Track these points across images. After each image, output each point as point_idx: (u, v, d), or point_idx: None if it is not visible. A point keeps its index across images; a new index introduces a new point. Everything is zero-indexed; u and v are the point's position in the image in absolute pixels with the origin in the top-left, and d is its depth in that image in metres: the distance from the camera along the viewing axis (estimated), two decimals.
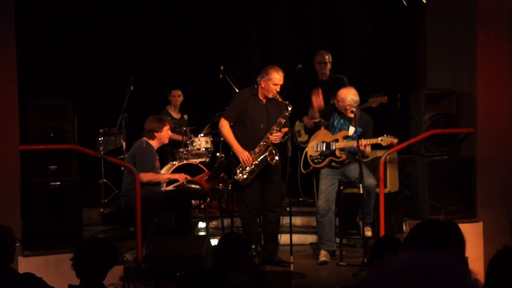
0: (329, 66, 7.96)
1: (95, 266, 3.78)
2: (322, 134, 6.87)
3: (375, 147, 6.81)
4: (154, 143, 6.84)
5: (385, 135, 6.56)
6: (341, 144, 6.64)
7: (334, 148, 6.68)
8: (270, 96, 6.46)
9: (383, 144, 6.58)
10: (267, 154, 6.41)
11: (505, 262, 3.10)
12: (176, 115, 8.59)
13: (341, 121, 6.72)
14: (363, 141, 6.49)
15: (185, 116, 8.57)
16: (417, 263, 1.18)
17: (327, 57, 7.94)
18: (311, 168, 6.85)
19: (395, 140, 6.59)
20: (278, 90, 6.47)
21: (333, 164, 6.73)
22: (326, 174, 6.77)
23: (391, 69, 9.22)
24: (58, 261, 5.94)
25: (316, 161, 6.78)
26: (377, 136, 6.57)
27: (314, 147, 6.82)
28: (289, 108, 6.44)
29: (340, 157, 6.64)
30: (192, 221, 7.19)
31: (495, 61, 6.96)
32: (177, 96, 8.64)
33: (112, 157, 7.06)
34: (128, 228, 7.23)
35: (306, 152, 6.92)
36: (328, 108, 6.95)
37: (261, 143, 6.43)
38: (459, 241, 2.33)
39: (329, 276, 6.43)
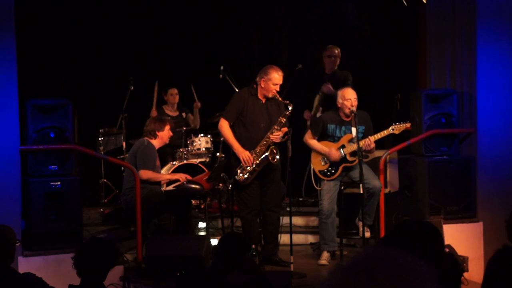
0: (338, 61, 7.93)
1: (96, 265, 3.78)
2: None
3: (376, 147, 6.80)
4: (156, 143, 6.89)
5: (395, 123, 6.56)
6: (350, 148, 6.60)
7: (344, 154, 6.64)
8: (270, 96, 6.46)
9: (396, 132, 6.57)
10: (268, 153, 6.41)
11: (504, 261, 3.10)
12: (173, 113, 8.58)
13: (343, 128, 6.67)
14: (372, 138, 6.48)
15: (183, 114, 8.56)
16: (364, 258, 1.29)
17: (336, 51, 7.89)
18: (325, 182, 6.71)
19: (408, 125, 6.60)
20: (278, 90, 6.46)
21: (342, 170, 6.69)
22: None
23: (391, 69, 9.21)
24: (58, 261, 5.94)
25: (329, 173, 6.68)
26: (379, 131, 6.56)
27: (321, 161, 6.72)
28: (290, 107, 6.43)
29: (354, 161, 6.59)
30: (192, 221, 7.19)
31: (495, 61, 6.96)
32: (175, 95, 8.62)
33: (112, 157, 7.07)
34: (129, 228, 7.23)
35: (313, 170, 6.78)
36: (316, 119, 6.91)
37: (262, 143, 6.43)
38: (434, 240, 2.36)
39: None
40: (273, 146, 6.44)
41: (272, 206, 6.60)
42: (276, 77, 6.41)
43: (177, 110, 8.66)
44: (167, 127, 6.94)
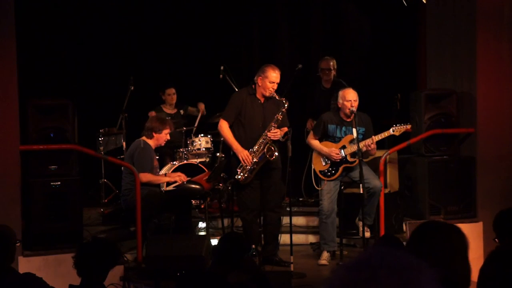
0: (333, 72, 7.97)
1: (97, 265, 3.78)
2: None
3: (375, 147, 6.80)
4: (151, 143, 6.82)
5: (395, 125, 6.56)
6: (351, 148, 6.60)
7: (344, 155, 6.64)
8: (267, 94, 6.46)
9: (397, 134, 6.59)
10: (265, 151, 6.41)
11: (499, 262, 3.10)
12: (171, 111, 8.60)
13: (343, 128, 6.67)
14: (374, 138, 6.48)
15: (181, 111, 8.56)
16: (367, 256, 1.31)
17: (331, 63, 7.95)
18: (325, 182, 6.71)
19: (409, 126, 6.60)
20: (275, 88, 6.46)
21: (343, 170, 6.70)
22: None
23: (391, 69, 9.22)
24: (58, 261, 5.94)
25: (329, 173, 6.68)
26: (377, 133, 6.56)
27: (322, 161, 6.73)
28: (286, 104, 6.44)
29: (354, 161, 6.59)
30: (192, 221, 7.19)
31: (495, 61, 6.96)
32: (172, 95, 8.62)
33: (112, 157, 7.06)
34: (129, 228, 7.23)
35: (314, 170, 6.79)
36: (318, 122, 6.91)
37: (260, 141, 6.43)
38: (459, 244, 2.34)
39: None
40: (269, 144, 6.43)
41: (272, 206, 6.60)
42: (273, 75, 6.41)
43: (175, 108, 8.67)
44: (166, 131, 6.84)
